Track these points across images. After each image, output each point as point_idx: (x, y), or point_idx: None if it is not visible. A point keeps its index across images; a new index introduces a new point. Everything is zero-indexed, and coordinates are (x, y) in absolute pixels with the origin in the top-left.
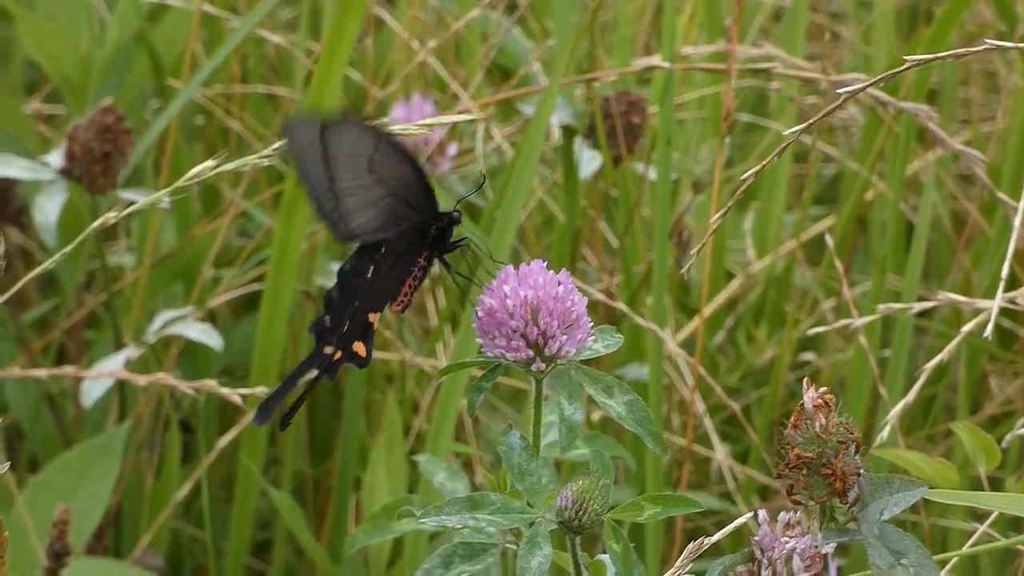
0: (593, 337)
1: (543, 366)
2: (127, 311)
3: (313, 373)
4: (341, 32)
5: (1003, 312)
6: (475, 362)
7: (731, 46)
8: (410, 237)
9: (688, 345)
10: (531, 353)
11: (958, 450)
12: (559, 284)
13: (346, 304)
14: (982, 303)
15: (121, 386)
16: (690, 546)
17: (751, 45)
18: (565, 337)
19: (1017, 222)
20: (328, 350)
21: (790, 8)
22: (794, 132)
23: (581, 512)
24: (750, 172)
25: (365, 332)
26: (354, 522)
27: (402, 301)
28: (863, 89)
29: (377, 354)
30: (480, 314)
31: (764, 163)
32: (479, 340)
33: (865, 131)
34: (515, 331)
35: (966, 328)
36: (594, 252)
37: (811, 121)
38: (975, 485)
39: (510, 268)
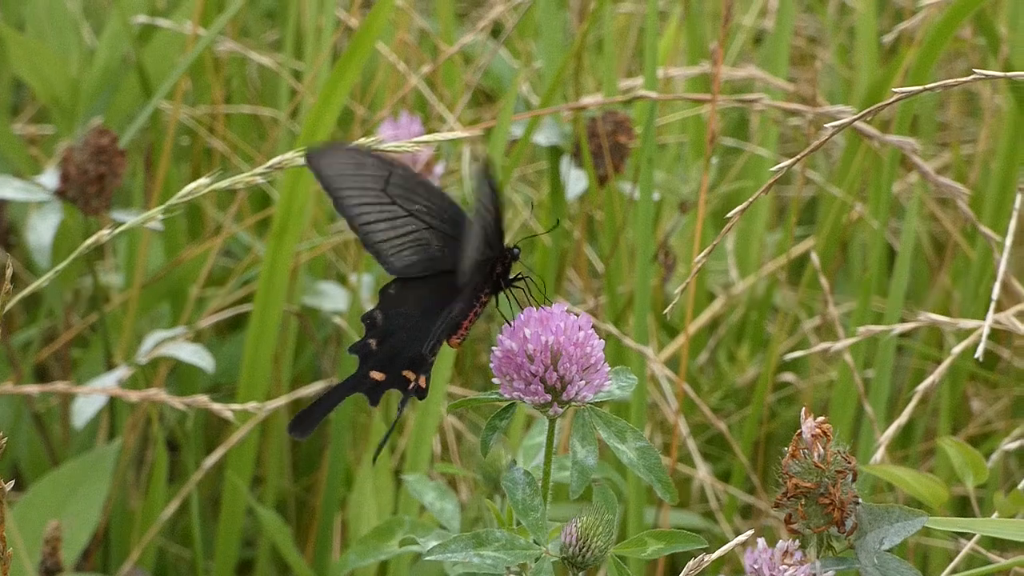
0: (610, 380)
1: (560, 410)
2: (116, 331)
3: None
4: (344, 71)
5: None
6: (489, 399)
7: (716, 69)
8: (478, 273)
9: (671, 365)
10: (549, 398)
11: (939, 471)
12: (580, 329)
13: (395, 331)
14: (965, 323)
15: (111, 406)
16: (690, 564)
17: (732, 67)
18: (584, 383)
19: (1007, 245)
20: (376, 375)
21: (773, 32)
22: (780, 168)
23: (585, 549)
24: (735, 212)
25: (426, 365)
26: (339, 540)
27: (461, 335)
28: (849, 124)
29: None
30: (498, 354)
31: (749, 201)
32: (496, 380)
33: (845, 153)
34: (534, 375)
35: (956, 349)
36: (579, 274)
37: (795, 159)
38: (960, 502)
39: (531, 310)
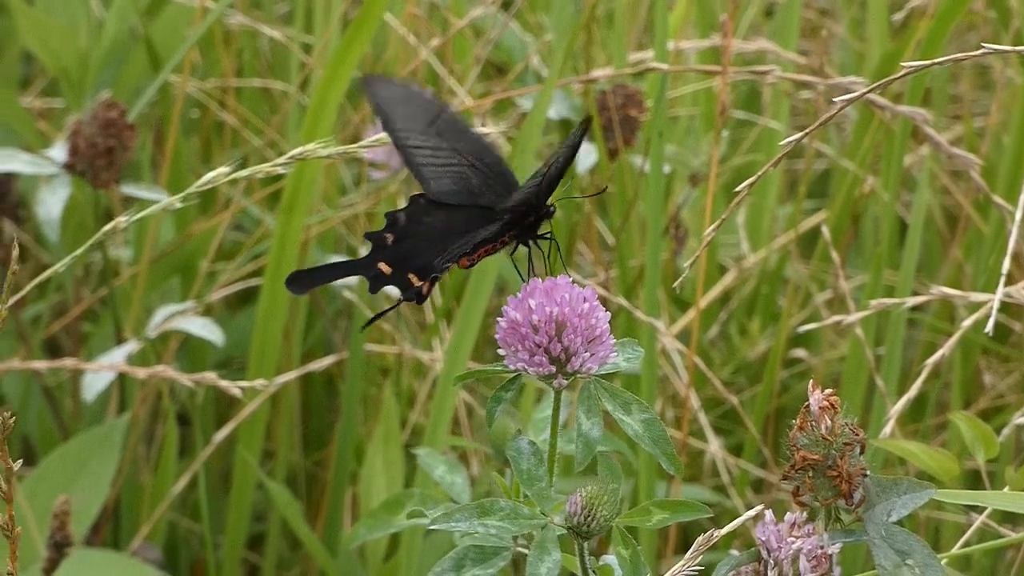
0: (615, 352)
1: (564, 382)
2: (126, 305)
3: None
4: (354, 40)
5: (998, 306)
6: (494, 370)
7: (726, 41)
8: (513, 213)
9: (682, 339)
10: (553, 369)
11: (951, 445)
12: (585, 301)
13: (413, 236)
14: (977, 297)
15: (121, 380)
16: (699, 539)
17: (743, 40)
18: (588, 354)
19: (1018, 217)
20: (384, 267)
21: (783, 3)
22: (789, 142)
23: (590, 518)
24: (745, 184)
25: (434, 275)
26: (350, 515)
27: (474, 260)
28: (859, 98)
29: (373, 347)
30: (503, 325)
31: (759, 174)
32: (500, 351)
33: (857, 126)
34: (538, 346)
35: (966, 323)
36: (590, 247)
37: (805, 132)
38: (971, 476)
39: (537, 281)
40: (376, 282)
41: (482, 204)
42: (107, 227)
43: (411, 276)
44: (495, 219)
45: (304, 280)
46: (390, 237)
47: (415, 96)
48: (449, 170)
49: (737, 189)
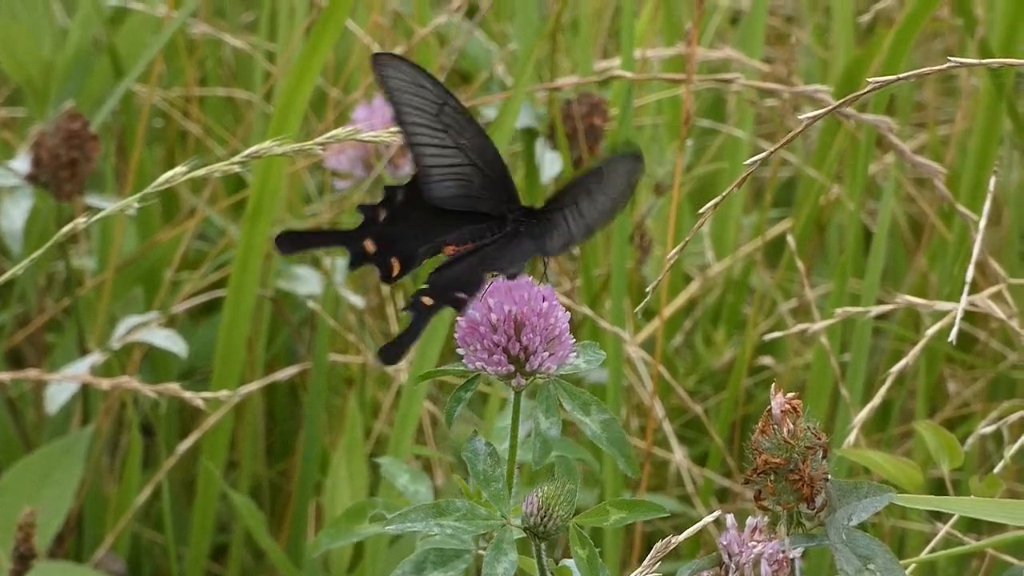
0: (575, 353)
1: (523, 381)
2: (90, 315)
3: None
4: (317, 44)
5: (961, 315)
6: (454, 371)
7: (690, 50)
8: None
9: (647, 348)
10: (512, 368)
11: (916, 454)
12: (544, 300)
13: (406, 219)
14: (941, 305)
15: (85, 391)
16: (657, 545)
17: (708, 48)
18: (547, 354)
19: (982, 225)
20: (368, 245)
21: (748, 12)
22: (754, 161)
23: (546, 518)
24: (708, 206)
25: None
26: (314, 526)
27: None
28: (825, 115)
29: (337, 357)
30: (462, 324)
31: (723, 195)
32: (459, 350)
33: (822, 135)
34: (497, 345)
35: (930, 331)
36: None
37: (769, 152)
38: (936, 485)
39: (496, 280)
40: (356, 259)
41: (482, 210)
42: (66, 228)
43: (393, 261)
44: (517, 233)
45: (294, 240)
46: (383, 213)
47: (423, 82)
48: (453, 172)
49: (701, 211)
